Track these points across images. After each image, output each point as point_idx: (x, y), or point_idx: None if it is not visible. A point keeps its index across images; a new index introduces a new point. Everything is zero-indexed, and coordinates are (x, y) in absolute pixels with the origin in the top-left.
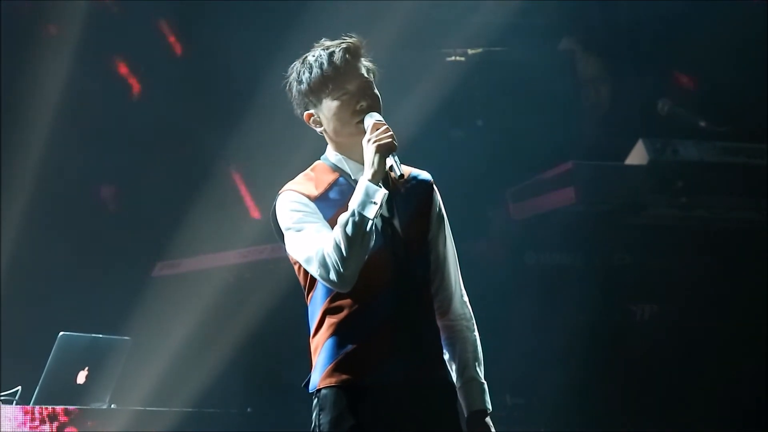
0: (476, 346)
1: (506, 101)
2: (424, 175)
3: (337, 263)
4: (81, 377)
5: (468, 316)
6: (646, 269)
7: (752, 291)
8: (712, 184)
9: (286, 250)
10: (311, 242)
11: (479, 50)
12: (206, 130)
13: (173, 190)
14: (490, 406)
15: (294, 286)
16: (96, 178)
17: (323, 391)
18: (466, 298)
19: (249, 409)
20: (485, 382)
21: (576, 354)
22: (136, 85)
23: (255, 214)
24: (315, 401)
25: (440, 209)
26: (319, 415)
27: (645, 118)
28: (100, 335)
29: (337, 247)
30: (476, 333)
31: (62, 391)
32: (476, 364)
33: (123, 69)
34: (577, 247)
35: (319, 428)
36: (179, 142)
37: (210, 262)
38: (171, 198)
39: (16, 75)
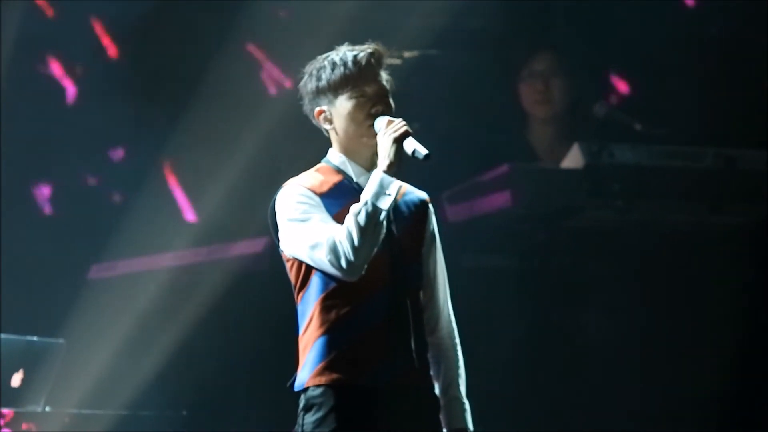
0: (460, 366)
1: (443, 104)
2: (422, 193)
3: (348, 252)
4: (16, 380)
5: (454, 335)
6: (585, 272)
7: (693, 294)
8: (649, 187)
9: (279, 247)
10: (320, 229)
11: (415, 53)
12: (141, 130)
13: (109, 192)
14: (471, 427)
15: (228, 290)
16: (30, 179)
17: (311, 390)
18: (453, 318)
19: (184, 412)
20: (467, 402)
21: (515, 357)
22: (71, 87)
23: (191, 217)
24: (302, 400)
25: (434, 228)
26: (305, 414)
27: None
28: (35, 338)
29: (350, 235)
30: (460, 353)
31: None
32: (459, 383)
33: (57, 70)
34: (515, 250)
35: (302, 428)
36: (114, 143)
37: (146, 265)
38: (106, 200)
39: None
